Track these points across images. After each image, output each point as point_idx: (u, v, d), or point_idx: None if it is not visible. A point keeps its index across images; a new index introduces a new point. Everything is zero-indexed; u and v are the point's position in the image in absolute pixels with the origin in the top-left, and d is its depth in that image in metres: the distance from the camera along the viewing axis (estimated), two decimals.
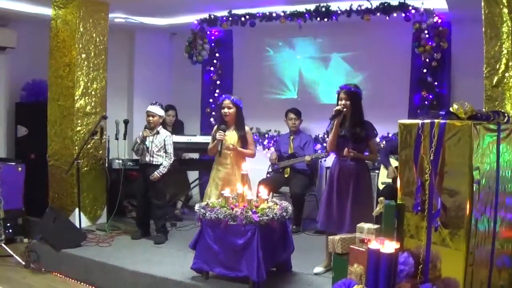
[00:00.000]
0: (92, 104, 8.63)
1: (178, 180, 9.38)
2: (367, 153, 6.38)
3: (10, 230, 8.17)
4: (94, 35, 8.63)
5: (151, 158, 7.71)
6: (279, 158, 9.03)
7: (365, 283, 4.45)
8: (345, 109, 6.14)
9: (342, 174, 6.20)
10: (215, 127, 7.36)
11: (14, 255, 7.34)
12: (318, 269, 6.27)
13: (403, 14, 8.16)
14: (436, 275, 4.47)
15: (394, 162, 7.86)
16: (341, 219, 6.09)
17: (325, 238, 6.26)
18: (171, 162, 7.84)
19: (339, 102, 6.18)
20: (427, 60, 8.34)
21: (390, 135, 8.81)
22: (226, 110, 7.20)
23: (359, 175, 6.18)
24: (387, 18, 8.32)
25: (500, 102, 5.28)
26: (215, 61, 10.59)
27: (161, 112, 7.83)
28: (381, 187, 8.10)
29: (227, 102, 7.22)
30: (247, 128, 7.35)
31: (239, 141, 7.20)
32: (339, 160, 6.29)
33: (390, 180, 7.88)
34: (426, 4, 8.06)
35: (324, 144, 9.41)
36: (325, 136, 9.30)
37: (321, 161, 9.14)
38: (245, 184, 6.15)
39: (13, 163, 8.55)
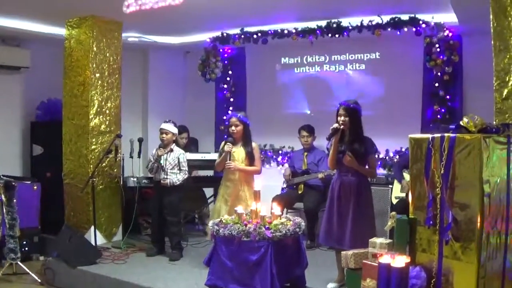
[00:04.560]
0: (107, 122, 8.71)
1: (194, 197, 9.42)
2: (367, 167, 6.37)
3: (26, 248, 8.21)
4: (107, 54, 8.72)
5: (165, 176, 7.73)
6: (293, 174, 9.05)
7: None
8: (342, 126, 6.16)
9: (343, 189, 6.18)
10: (223, 142, 7.42)
11: (30, 272, 7.38)
12: (332, 284, 6.24)
13: (414, 29, 8.20)
14: None
15: (407, 177, 7.85)
16: (342, 234, 6.08)
17: (335, 253, 6.29)
18: (186, 177, 7.87)
19: (338, 118, 6.19)
20: (439, 74, 8.35)
21: (403, 149, 8.80)
22: (233, 128, 7.27)
23: (360, 190, 6.14)
24: (398, 33, 8.35)
25: (510, 115, 5.27)
26: (228, 78, 10.64)
27: (174, 129, 7.86)
28: (394, 201, 8.09)
29: (233, 120, 7.29)
30: (254, 144, 7.39)
31: (247, 157, 7.25)
32: (340, 175, 6.29)
33: (403, 195, 7.86)
34: (437, 18, 8.08)
35: None
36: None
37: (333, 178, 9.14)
38: (257, 201, 6.17)
39: (28, 182, 8.61)
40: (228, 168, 7.19)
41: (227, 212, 6.95)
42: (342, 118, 6.16)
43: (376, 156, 7.65)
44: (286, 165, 9.71)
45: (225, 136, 10.14)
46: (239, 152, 7.27)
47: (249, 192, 7.10)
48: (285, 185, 9.23)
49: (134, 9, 7.56)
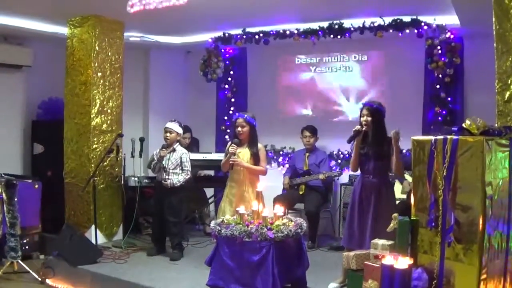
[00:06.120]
0: (108, 122, 8.72)
1: (195, 197, 9.42)
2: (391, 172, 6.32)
3: (27, 247, 8.16)
4: (109, 53, 8.74)
5: (167, 176, 7.74)
6: (294, 174, 9.08)
7: None
8: (365, 127, 6.15)
9: (364, 191, 6.20)
10: (229, 143, 7.41)
11: (31, 271, 7.35)
12: (333, 285, 6.26)
13: (416, 31, 8.22)
14: None
15: (409, 178, 7.86)
16: (362, 236, 6.09)
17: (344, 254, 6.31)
18: (187, 178, 7.86)
19: (361, 119, 6.19)
20: (440, 76, 8.36)
21: (404, 151, 8.80)
22: (239, 128, 7.25)
23: (381, 191, 6.14)
24: (400, 34, 8.37)
25: None
26: (229, 78, 10.63)
27: (179, 129, 7.87)
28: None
29: (240, 120, 7.27)
30: (260, 145, 7.37)
31: (252, 158, 7.23)
32: (363, 177, 6.30)
33: (404, 196, 7.87)
34: (438, 20, 8.10)
35: (339, 161, 9.44)
36: (340, 153, 9.40)
37: (334, 179, 9.15)
38: (259, 201, 6.17)
39: (29, 181, 8.56)
40: (233, 162, 7.18)
41: (232, 212, 6.96)
42: (365, 118, 6.16)
43: None
44: (284, 172, 9.67)
45: (227, 137, 10.19)
46: (244, 153, 7.26)
47: (254, 193, 7.10)
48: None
49: (138, 9, 7.57)
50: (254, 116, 7.38)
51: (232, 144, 7.22)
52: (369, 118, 6.15)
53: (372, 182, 6.19)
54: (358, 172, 6.50)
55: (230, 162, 7.17)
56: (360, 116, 6.26)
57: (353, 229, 6.24)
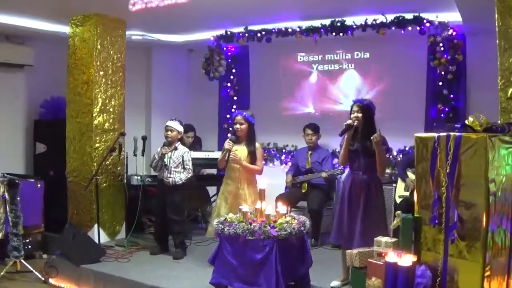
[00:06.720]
0: (111, 121, 8.70)
1: (197, 195, 9.42)
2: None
3: (29, 246, 8.19)
4: (111, 52, 8.72)
5: (169, 175, 7.73)
6: (296, 172, 9.06)
7: None
8: (356, 122, 6.15)
9: (354, 187, 6.18)
10: (227, 140, 7.43)
11: (34, 270, 7.38)
12: (336, 283, 6.24)
13: (418, 28, 8.17)
14: None
15: (411, 176, 7.86)
16: (351, 233, 6.08)
17: (341, 252, 6.29)
18: (189, 176, 7.85)
19: (352, 115, 6.21)
20: (443, 73, 8.32)
21: (407, 148, 8.80)
22: (238, 126, 7.30)
23: (371, 188, 6.12)
24: (402, 32, 8.33)
25: None
26: (232, 77, 10.62)
27: (179, 127, 7.85)
28: (398, 200, 8.08)
29: (239, 118, 7.31)
30: (257, 144, 7.40)
31: (249, 156, 7.27)
32: (352, 173, 6.29)
33: (407, 194, 7.86)
34: (441, 17, 8.07)
35: None
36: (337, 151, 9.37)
37: (337, 177, 9.12)
38: (262, 200, 6.16)
39: (32, 180, 8.58)
40: (232, 158, 7.20)
41: (227, 210, 6.99)
42: (355, 114, 6.17)
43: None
44: (289, 176, 9.62)
45: (230, 135, 10.18)
46: (241, 151, 7.28)
47: (249, 191, 7.16)
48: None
49: (140, 7, 7.57)
50: (253, 115, 7.41)
51: (229, 142, 7.25)
52: (359, 115, 6.16)
53: (362, 179, 6.17)
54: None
55: (230, 157, 7.19)
56: (350, 113, 6.27)
57: (342, 226, 6.23)
